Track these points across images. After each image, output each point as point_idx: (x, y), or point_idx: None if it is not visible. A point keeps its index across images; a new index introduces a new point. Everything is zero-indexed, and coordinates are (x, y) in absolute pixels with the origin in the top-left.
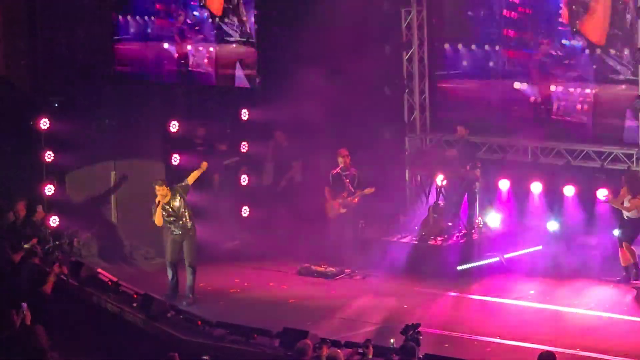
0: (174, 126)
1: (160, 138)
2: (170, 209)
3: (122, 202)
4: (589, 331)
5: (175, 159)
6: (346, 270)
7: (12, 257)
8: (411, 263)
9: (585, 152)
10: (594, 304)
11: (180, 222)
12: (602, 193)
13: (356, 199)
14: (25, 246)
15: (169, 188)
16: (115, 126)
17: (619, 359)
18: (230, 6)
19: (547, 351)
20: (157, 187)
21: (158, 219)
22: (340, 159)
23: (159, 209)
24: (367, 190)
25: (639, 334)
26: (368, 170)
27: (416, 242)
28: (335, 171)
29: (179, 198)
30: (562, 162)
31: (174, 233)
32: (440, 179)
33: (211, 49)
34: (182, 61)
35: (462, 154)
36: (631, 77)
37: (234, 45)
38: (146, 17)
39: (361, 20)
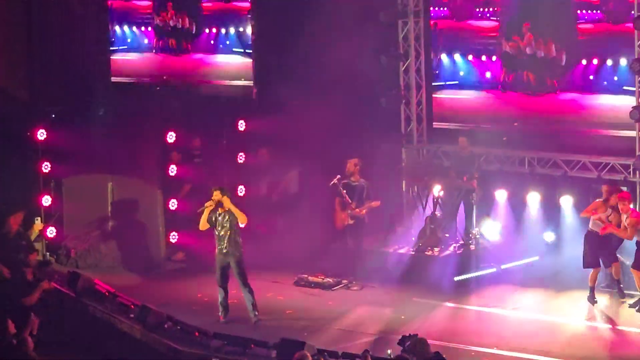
0: (171, 137)
1: (157, 148)
2: (220, 224)
3: (119, 212)
4: (586, 342)
5: (172, 170)
6: (343, 280)
7: (2, 270)
8: (408, 274)
9: (582, 162)
10: (590, 315)
11: (224, 241)
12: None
13: (364, 211)
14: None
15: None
16: (112, 136)
17: None
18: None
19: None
20: (215, 193)
21: (202, 224)
22: (350, 169)
23: (205, 213)
24: (374, 204)
25: (634, 345)
26: (365, 181)
27: (413, 253)
28: (334, 182)
29: (228, 218)
30: (559, 172)
31: (219, 249)
32: (437, 190)
33: (209, 59)
34: (179, 71)
35: (460, 164)
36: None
37: (231, 56)
38: (143, 28)
39: (358, 31)
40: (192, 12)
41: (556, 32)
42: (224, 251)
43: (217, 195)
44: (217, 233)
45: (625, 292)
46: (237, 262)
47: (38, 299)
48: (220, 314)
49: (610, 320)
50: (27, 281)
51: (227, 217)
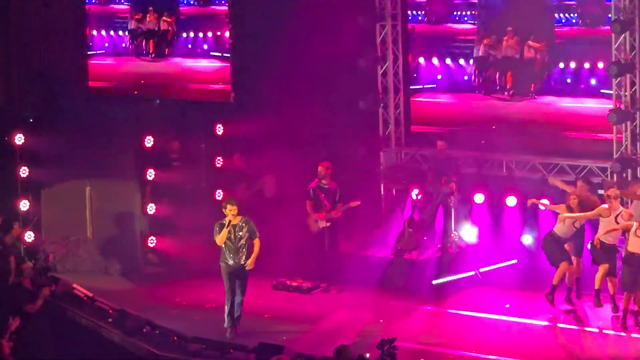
0: (148, 141)
1: (135, 153)
2: (233, 236)
3: (98, 217)
4: (565, 344)
5: (150, 174)
6: (322, 284)
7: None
8: (387, 277)
9: (560, 165)
10: (569, 318)
11: (238, 254)
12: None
13: (340, 213)
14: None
15: (241, 216)
16: (90, 141)
17: None
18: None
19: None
20: (229, 206)
21: (222, 238)
22: (321, 172)
23: (225, 229)
24: (353, 203)
25: (614, 347)
26: (343, 184)
27: (392, 257)
28: (313, 185)
29: (245, 230)
30: (538, 175)
31: (228, 263)
32: (415, 193)
33: (186, 63)
34: (157, 76)
35: (438, 167)
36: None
37: (209, 60)
38: (121, 32)
39: (336, 34)
40: (171, 15)
41: (534, 35)
42: (242, 262)
43: (233, 210)
44: (231, 244)
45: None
46: (244, 278)
47: (40, 306)
48: (227, 325)
49: (590, 323)
50: (27, 289)
51: (244, 227)
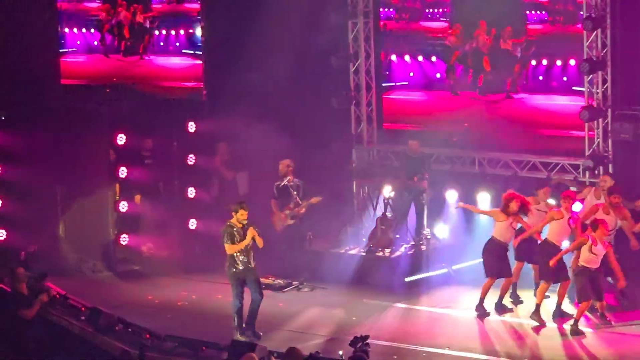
0: (120, 139)
1: (107, 151)
2: (242, 239)
3: (69, 215)
4: (537, 341)
5: (123, 172)
6: (294, 282)
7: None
8: (359, 275)
9: (532, 162)
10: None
11: (247, 257)
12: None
13: (303, 209)
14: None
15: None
16: (62, 139)
17: None
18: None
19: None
20: (241, 211)
21: (236, 248)
22: (282, 170)
23: (244, 242)
24: (314, 200)
25: (585, 344)
26: (315, 182)
27: (364, 254)
28: (281, 183)
29: (251, 234)
30: (510, 173)
31: (239, 268)
32: (387, 191)
33: (158, 60)
34: (129, 73)
35: (410, 165)
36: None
37: (181, 57)
38: (92, 30)
39: (308, 32)
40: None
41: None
42: (250, 266)
43: (245, 215)
44: (242, 248)
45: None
46: (255, 278)
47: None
48: (238, 331)
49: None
50: (23, 294)
51: (249, 229)
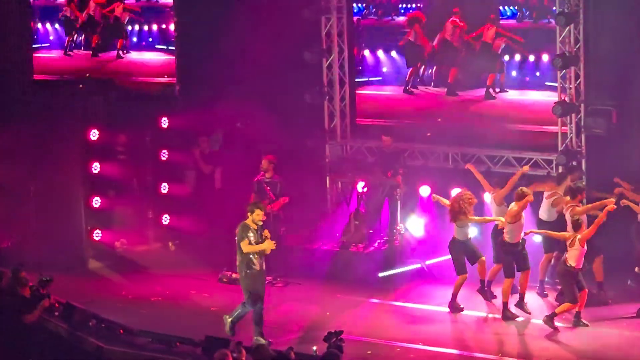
0: (94, 134)
1: (79, 146)
2: (256, 241)
3: (42, 210)
4: (510, 337)
5: (95, 167)
6: (268, 277)
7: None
8: (333, 270)
9: (505, 158)
10: (515, 310)
11: (262, 258)
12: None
13: (277, 207)
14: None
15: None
16: (35, 134)
17: None
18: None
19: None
20: (257, 211)
21: (253, 249)
22: (264, 165)
23: (261, 246)
24: (282, 200)
25: (559, 339)
26: (289, 177)
27: (338, 249)
28: (259, 178)
29: (265, 235)
30: (483, 168)
31: (256, 269)
32: (361, 186)
33: (132, 56)
34: (102, 69)
35: (384, 160)
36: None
37: (154, 53)
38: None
39: (281, 27)
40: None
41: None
42: (264, 268)
43: (261, 215)
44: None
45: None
46: (264, 280)
47: (38, 317)
48: (260, 335)
49: (535, 315)
50: (25, 299)
51: (263, 229)
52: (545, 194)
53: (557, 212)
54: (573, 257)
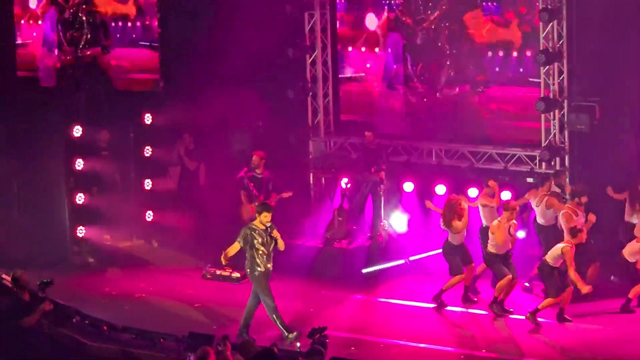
0: (77, 131)
1: (63, 142)
2: (267, 241)
3: (26, 207)
4: (494, 332)
5: (79, 164)
6: None
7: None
8: (317, 266)
9: (488, 154)
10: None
11: (270, 258)
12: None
13: (273, 203)
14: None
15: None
16: (18, 130)
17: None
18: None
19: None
20: (265, 213)
21: (282, 244)
22: (255, 161)
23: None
24: (285, 194)
25: (543, 335)
26: (272, 173)
27: (321, 246)
28: (241, 174)
29: (275, 233)
30: (466, 164)
31: (259, 270)
32: (344, 182)
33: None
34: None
35: (367, 156)
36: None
37: (138, 49)
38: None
39: (264, 23)
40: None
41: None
42: (269, 268)
43: (269, 217)
44: (264, 250)
45: None
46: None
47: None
48: (291, 335)
49: (519, 311)
50: (24, 302)
51: (272, 230)
52: (533, 203)
53: (555, 213)
54: (551, 257)
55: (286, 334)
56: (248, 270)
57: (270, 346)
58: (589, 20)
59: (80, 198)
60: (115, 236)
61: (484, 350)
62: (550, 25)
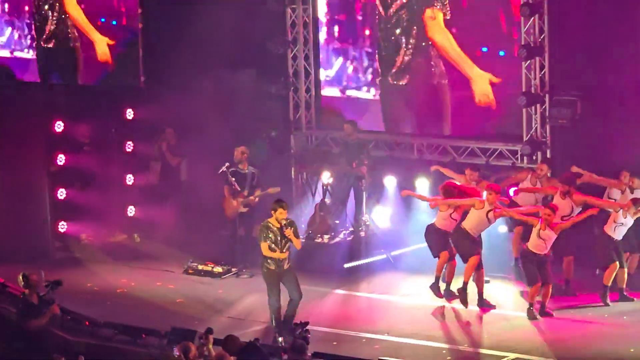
0: (58, 126)
1: (44, 138)
2: (283, 239)
3: (7, 202)
4: (476, 327)
5: (60, 159)
6: (233, 269)
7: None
8: (298, 261)
9: (470, 148)
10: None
11: (287, 256)
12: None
13: (257, 198)
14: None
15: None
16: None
17: (504, 353)
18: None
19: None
20: (280, 210)
21: (298, 243)
22: (237, 156)
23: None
24: (272, 190)
25: (524, 330)
26: (257, 168)
27: (303, 240)
28: (223, 169)
29: (291, 230)
30: (448, 158)
31: (269, 267)
32: (326, 177)
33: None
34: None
35: (349, 151)
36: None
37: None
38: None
39: (246, 19)
40: None
41: None
42: (284, 266)
43: (284, 214)
44: (277, 248)
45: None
46: (292, 275)
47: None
48: (277, 332)
49: (501, 305)
50: (32, 304)
51: (289, 228)
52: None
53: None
54: (532, 244)
55: (277, 335)
56: (261, 266)
57: (253, 341)
58: (570, 14)
59: (61, 193)
60: (97, 231)
61: (466, 345)
62: (531, 20)
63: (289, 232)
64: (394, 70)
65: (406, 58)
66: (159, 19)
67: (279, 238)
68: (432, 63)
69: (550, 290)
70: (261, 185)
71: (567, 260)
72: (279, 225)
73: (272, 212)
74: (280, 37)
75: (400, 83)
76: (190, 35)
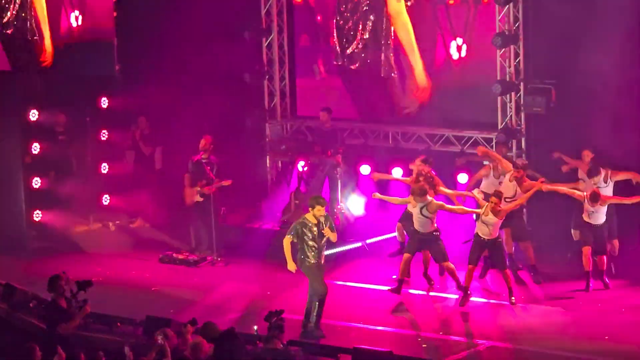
0: (33, 115)
1: (19, 126)
2: (318, 236)
3: None
4: (453, 315)
5: (35, 148)
6: (208, 257)
7: None
8: (273, 249)
9: (445, 136)
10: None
11: (321, 253)
12: None
13: (213, 189)
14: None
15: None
16: None
17: (483, 341)
18: None
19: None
20: (318, 207)
21: (334, 236)
22: (204, 146)
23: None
24: (224, 182)
25: (504, 318)
26: (229, 157)
27: (278, 229)
28: (196, 158)
29: (327, 227)
30: (423, 147)
31: (310, 261)
32: (301, 165)
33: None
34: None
35: (324, 139)
36: None
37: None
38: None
39: (221, 6)
40: None
41: None
42: (321, 261)
43: (322, 210)
44: (314, 244)
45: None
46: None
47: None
48: (307, 324)
49: (479, 293)
50: (62, 308)
51: (326, 224)
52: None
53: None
54: (477, 228)
55: (311, 324)
56: (299, 261)
57: (230, 328)
58: (545, 2)
59: (36, 182)
60: (72, 220)
61: (441, 333)
62: (506, 8)
63: (327, 231)
64: (347, 52)
65: (360, 45)
66: (135, 8)
67: (317, 234)
68: (383, 55)
69: (510, 276)
70: (220, 176)
71: (523, 246)
72: (316, 222)
73: (310, 208)
74: (255, 26)
75: (351, 67)
76: (166, 23)
